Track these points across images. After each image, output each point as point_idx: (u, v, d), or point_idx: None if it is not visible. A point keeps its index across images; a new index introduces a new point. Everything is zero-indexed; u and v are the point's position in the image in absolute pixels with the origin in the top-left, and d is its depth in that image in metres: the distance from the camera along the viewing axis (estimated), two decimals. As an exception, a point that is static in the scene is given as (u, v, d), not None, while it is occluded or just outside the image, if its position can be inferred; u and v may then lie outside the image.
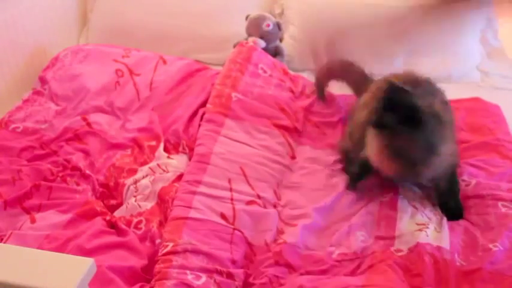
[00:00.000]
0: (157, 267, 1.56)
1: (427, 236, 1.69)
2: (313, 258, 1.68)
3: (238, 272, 1.59)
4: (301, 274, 1.62)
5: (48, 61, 2.49)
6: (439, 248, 1.65)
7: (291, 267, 1.64)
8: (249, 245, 1.72)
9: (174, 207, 1.76)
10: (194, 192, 1.80)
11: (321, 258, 1.67)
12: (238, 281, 1.58)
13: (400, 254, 1.65)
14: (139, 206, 1.84)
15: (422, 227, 1.72)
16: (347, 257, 1.67)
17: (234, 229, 1.73)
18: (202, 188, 1.82)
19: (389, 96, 1.65)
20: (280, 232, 1.76)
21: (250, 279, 1.61)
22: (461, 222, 1.77)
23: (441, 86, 2.54)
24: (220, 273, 1.57)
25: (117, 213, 1.85)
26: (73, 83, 2.36)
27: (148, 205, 1.85)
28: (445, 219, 1.78)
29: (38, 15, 2.58)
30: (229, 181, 1.87)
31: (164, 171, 1.98)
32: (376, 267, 1.61)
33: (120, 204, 1.91)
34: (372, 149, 1.77)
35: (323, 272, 1.63)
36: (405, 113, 1.63)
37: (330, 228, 1.79)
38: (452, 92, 2.44)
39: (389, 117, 1.64)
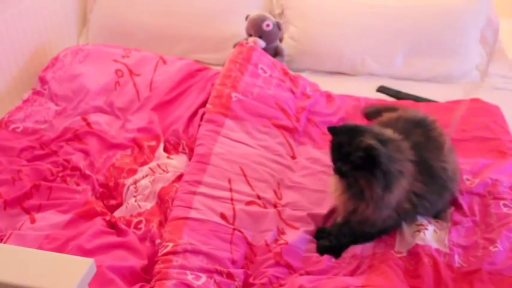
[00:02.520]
0: (157, 267, 1.56)
1: (426, 237, 1.68)
2: (314, 259, 1.68)
3: (238, 272, 1.59)
4: (301, 274, 1.62)
5: (48, 61, 2.49)
6: (438, 250, 1.65)
7: (291, 268, 1.64)
8: (249, 245, 1.72)
9: (174, 208, 1.75)
10: (194, 193, 1.80)
11: (321, 259, 1.67)
12: (238, 281, 1.58)
13: (399, 255, 1.65)
14: (139, 206, 1.84)
15: (421, 228, 1.71)
16: (347, 258, 1.67)
17: (234, 229, 1.73)
18: (202, 188, 1.82)
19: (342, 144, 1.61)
20: (281, 232, 1.76)
21: (251, 280, 1.61)
22: (464, 221, 1.77)
23: (441, 86, 2.58)
24: (220, 273, 1.57)
25: (117, 214, 1.85)
26: (73, 83, 2.36)
27: (148, 205, 1.85)
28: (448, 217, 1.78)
29: (38, 16, 2.58)
30: (229, 181, 1.87)
31: (164, 171, 1.97)
32: (376, 268, 1.61)
33: (120, 204, 1.90)
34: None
35: (323, 272, 1.63)
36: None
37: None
38: (452, 92, 2.46)
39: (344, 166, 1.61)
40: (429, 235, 1.70)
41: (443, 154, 1.76)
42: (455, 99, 2.38)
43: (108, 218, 1.79)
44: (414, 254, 1.64)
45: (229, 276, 1.57)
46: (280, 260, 1.65)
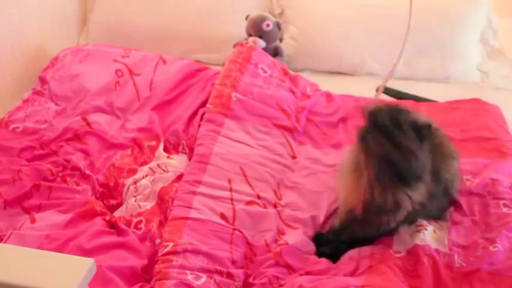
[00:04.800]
0: (157, 267, 1.56)
1: (425, 237, 1.69)
2: (313, 260, 1.68)
3: (238, 272, 1.59)
4: (301, 275, 1.62)
5: (48, 61, 2.48)
6: (437, 250, 1.65)
7: (290, 268, 1.64)
8: (249, 245, 1.71)
9: (174, 207, 1.75)
10: (194, 193, 1.79)
11: (320, 260, 1.67)
12: (238, 281, 1.57)
13: (398, 255, 1.65)
14: (139, 206, 1.84)
15: (420, 228, 1.71)
16: (345, 260, 1.67)
17: (234, 229, 1.73)
18: (202, 188, 1.82)
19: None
20: (281, 233, 1.76)
21: (250, 280, 1.61)
22: (464, 221, 1.77)
23: (441, 86, 2.57)
24: (220, 273, 1.57)
25: (117, 213, 1.85)
26: (73, 83, 2.36)
27: (148, 205, 1.85)
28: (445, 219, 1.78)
29: (37, 16, 2.58)
30: (229, 181, 1.87)
31: (164, 171, 1.97)
32: (376, 268, 1.60)
33: (120, 204, 1.90)
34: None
35: (323, 272, 1.63)
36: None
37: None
38: (452, 93, 2.46)
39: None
40: (428, 235, 1.70)
41: (445, 161, 1.75)
42: (456, 99, 2.38)
43: (108, 217, 1.79)
44: (414, 254, 1.64)
45: (229, 276, 1.57)
46: (279, 260, 1.64)
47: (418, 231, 1.70)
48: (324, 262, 1.66)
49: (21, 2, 2.46)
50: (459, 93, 2.44)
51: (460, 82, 2.59)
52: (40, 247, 1.64)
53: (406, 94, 2.46)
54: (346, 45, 2.62)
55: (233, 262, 1.62)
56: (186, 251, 1.59)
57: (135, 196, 1.89)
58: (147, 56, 2.46)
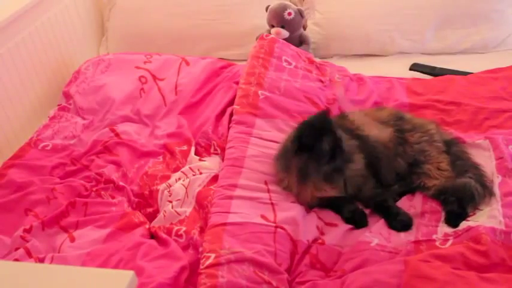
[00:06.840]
0: (202, 282, 1.48)
1: (476, 221, 1.60)
2: (354, 248, 1.60)
3: (283, 279, 1.51)
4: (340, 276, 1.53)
5: (69, 75, 2.47)
6: (493, 228, 1.55)
7: (325, 269, 1.57)
8: (293, 241, 1.63)
9: (212, 215, 1.69)
10: (231, 197, 1.73)
11: (361, 246, 1.59)
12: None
13: (448, 237, 1.56)
14: (178, 214, 1.79)
15: (468, 218, 1.64)
16: (386, 249, 1.58)
17: (276, 226, 1.65)
18: (238, 192, 1.75)
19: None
20: (321, 233, 1.68)
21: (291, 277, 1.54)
22: None
23: (478, 57, 2.46)
24: (268, 283, 1.49)
25: (156, 223, 1.81)
26: (97, 95, 2.34)
27: (187, 211, 1.80)
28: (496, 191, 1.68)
29: (55, 31, 2.56)
30: (266, 183, 1.80)
31: (196, 174, 1.92)
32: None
33: (156, 211, 1.87)
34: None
35: (364, 262, 1.54)
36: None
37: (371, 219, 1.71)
38: (489, 62, 2.36)
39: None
40: (479, 218, 1.62)
41: None
42: (493, 69, 2.27)
43: (147, 226, 1.77)
44: (465, 235, 1.55)
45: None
46: (316, 263, 1.57)
47: (467, 220, 1.63)
48: (364, 247, 1.58)
49: (37, 19, 2.43)
50: (497, 62, 2.34)
51: (497, 50, 2.50)
52: (83, 265, 1.61)
53: (442, 69, 2.37)
54: (373, 25, 2.55)
55: (279, 265, 1.55)
56: (229, 261, 1.51)
57: (170, 201, 1.85)
58: (169, 59, 2.43)
